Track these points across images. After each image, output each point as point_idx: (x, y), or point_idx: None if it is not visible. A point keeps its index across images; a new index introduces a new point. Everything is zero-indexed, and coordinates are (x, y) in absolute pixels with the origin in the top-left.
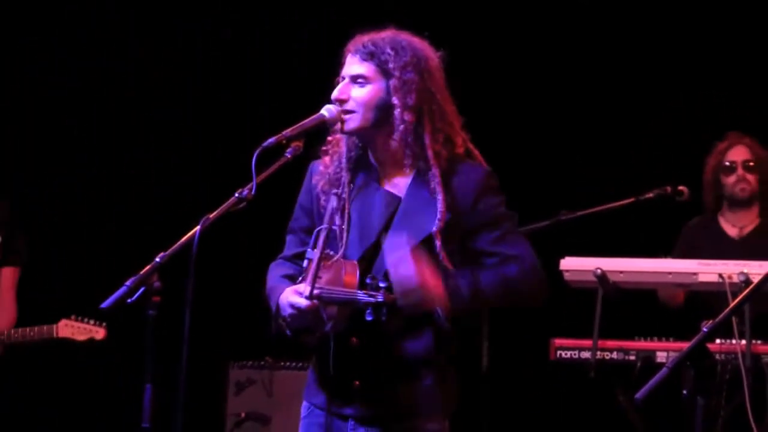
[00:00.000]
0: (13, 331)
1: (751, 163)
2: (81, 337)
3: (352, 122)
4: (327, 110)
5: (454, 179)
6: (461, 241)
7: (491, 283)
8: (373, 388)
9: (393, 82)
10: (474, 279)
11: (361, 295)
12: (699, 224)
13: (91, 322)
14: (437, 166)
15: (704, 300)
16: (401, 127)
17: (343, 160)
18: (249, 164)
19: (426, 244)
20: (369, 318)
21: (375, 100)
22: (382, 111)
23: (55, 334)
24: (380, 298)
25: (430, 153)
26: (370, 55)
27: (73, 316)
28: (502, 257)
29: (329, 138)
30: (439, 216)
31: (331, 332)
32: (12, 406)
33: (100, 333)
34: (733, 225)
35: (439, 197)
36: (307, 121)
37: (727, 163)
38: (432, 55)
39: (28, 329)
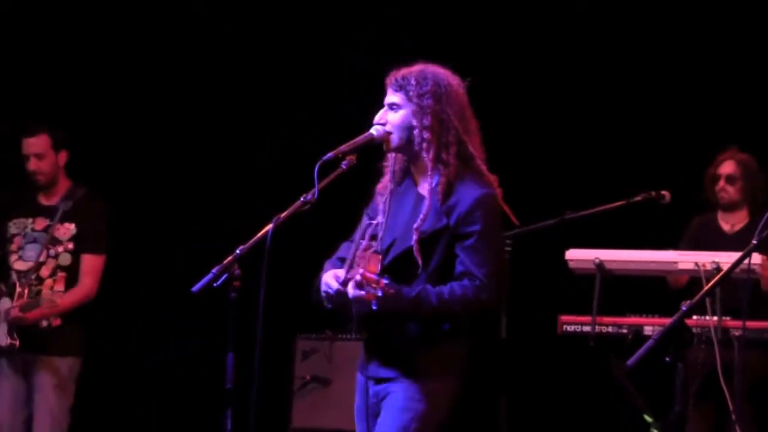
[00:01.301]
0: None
1: (733, 177)
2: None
3: (391, 141)
4: (375, 130)
5: (459, 188)
6: (449, 241)
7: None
8: (379, 356)
9: (413, 107)
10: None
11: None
12: (702, 220)
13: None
14: (443, 175)
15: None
16: (421, 143)
17: (391, 171)
18: (312, 174)
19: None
20: (374, 308)
21: (404, 123)
22: (409, 131)
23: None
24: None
25: (440, 163)
26: (400, 87)
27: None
28: (465, 269)
29: (388, 155)
30: (421, 216)
31: (355, 315)
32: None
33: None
34: (726, 222)
35: (426, 202)
36: (359, 139)
37: (716, 175)
38: (453, 82)
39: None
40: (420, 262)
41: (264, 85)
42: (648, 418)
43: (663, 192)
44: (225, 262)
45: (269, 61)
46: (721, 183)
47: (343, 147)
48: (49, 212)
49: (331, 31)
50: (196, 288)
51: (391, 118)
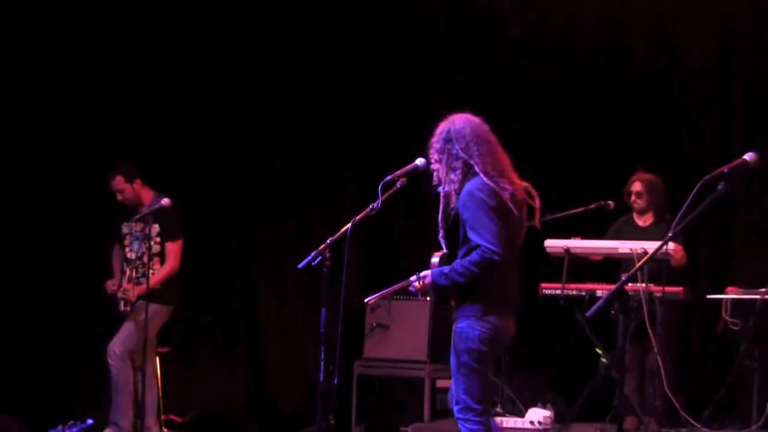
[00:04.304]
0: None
1: (641, 193)
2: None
3: (432, 168)
4: (419, 161)
5: (463, 189)
6: (462, 227)
7: (459, 274)
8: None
9: (432, 148)
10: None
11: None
12: (622, 219)
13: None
14: (455, 189)
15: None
16: (441, 171)
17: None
18: (376, 190)
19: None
20: (419, 296)
21: (434, 157)
22: (437, 163)
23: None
24: (412, 289)
25: (448, 181)
26: (434, 134)
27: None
28: (474, 243)
29: None
30: (441, 217)
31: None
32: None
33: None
34: (640, 220)
35: (441, 206)
36: (408, 167)
37: (629, 191)
38: (459, 125)
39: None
40: (445, 246)
41: (264, 85)
42: (599, 351)
43: (609, 201)
44: (320, 248)
45: (269, 61)
46: (633, 198)
47: (398, 172)
48: (142, 218)
49: (331, 31)
50: (300, 265)
51: (430, 153)
